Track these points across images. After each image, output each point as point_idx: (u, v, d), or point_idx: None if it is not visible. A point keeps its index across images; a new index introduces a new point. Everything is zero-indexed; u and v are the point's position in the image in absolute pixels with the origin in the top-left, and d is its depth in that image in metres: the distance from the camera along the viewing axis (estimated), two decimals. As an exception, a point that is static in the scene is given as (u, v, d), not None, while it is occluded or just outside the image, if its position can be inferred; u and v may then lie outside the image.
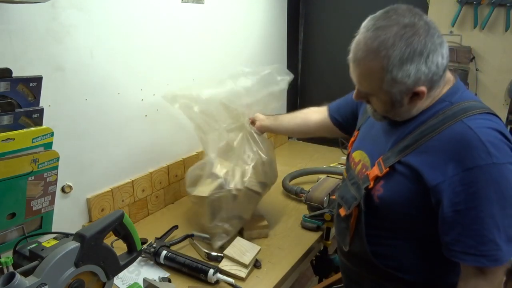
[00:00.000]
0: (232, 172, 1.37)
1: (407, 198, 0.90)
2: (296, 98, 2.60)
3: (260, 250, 1.27)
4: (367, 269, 1.03)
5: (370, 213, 0.97)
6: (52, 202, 1.11)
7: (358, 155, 1.07)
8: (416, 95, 0.86)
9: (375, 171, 0.95)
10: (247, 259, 1.21)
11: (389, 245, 0.98)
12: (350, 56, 0.89)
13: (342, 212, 1.05)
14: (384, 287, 1.01)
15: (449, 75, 0.93)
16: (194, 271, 1.18)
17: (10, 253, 0.97)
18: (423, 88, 0.85)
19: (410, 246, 0.96)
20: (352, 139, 1.15)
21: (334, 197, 1.48)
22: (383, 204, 0.94)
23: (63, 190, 1.27)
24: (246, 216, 1.39)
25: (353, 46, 0.88)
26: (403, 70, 0.82)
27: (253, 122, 1.46)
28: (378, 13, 0.86)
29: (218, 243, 1.31)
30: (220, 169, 1.39)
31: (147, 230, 1.46)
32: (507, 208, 0.81)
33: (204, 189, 1.35)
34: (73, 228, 1.21)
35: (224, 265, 1.22)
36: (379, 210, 0.95)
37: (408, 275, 0.96)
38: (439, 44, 0.83)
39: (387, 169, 0.92)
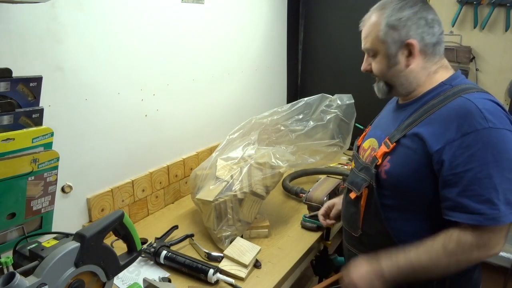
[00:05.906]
0: (238, 175, 1.36)
1: (413, 169, 0.93)
2: (296, 98, 2.60)
3: (260, 250, 1.27)
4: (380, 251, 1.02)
5: (380, 192, 0.99)
6: (52, 202, 1.11)
7: (368, 143, 1.11)
8: (410, 53, 0.96)
9: (382, 149, 1.00)
10: (247, 259, 1.21)
11: (402, 225, 0.98)
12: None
13: (353, 195, 1.07)
14: None
15: (449, 65, 1.02)
16: (194, 271, 1.18)
17: (10, 253, 0.97)
18: (413, 41, 0.95)
19: (424, 226, 0.96)
20: (364, 134, 1.19)
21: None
22: (390, 179, 0.97)
23: (63, 190, 1.27)
24: (250, 219, 1.39)
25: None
26: (396, 16, 0.95)
27: (327, 213, 1.37)
28: None
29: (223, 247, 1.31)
30: (224, 172, 1.39)
31: (147, 230, 1.46)
32: (505, 171, 0.84)
33: (209, 193, 1.35)
34: (73, 228, 1.22)
35: (224, 265, 1.22)
36: (388, 186, 0.98)
37: None
38: (431, 19, 0.96)
39: (394, 144, 0.97)
